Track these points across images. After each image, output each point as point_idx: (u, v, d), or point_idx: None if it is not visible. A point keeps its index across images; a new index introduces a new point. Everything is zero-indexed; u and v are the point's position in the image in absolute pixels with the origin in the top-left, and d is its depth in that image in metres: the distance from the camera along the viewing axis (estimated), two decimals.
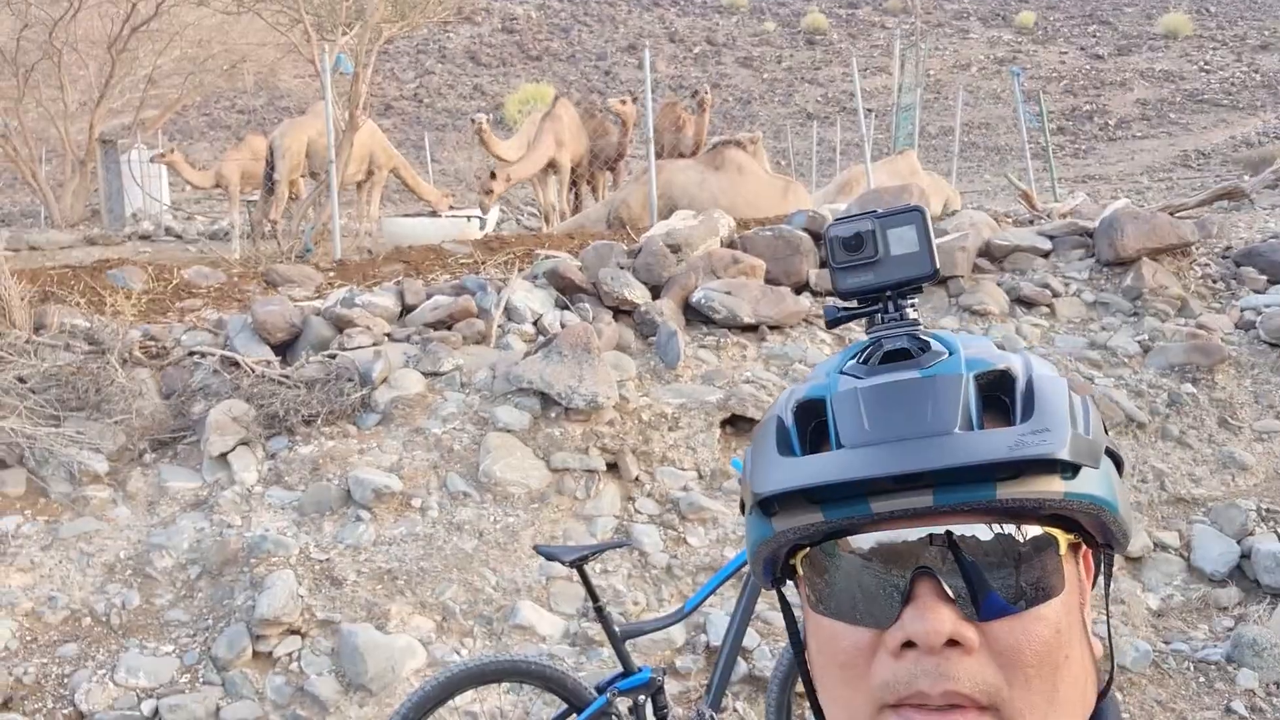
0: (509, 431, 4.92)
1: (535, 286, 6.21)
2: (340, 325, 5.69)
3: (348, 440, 4.95)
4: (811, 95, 31.39)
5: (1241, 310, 6.43)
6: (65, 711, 3.77)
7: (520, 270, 6.71)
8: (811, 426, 0.71)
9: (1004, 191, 18.91)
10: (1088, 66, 31.89)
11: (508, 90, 30.56)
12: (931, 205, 7.83)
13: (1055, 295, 6.66)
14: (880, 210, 0.77)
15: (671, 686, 3.99)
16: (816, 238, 7.02)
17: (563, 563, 3.23)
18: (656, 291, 6.25)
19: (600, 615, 3.24)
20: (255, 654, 3.99)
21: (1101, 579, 0.74)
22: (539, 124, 10.81)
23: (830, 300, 6.63)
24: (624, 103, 11.66)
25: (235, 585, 4.23)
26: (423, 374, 5.32)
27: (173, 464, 4.99)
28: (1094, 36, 33.91)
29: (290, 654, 3.99)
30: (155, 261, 8.31)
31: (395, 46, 34.85)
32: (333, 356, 5.40)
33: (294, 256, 8.54)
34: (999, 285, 6.78)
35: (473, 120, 10.25)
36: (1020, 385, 0.68)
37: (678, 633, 4.23)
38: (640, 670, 3.27)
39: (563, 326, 5.70)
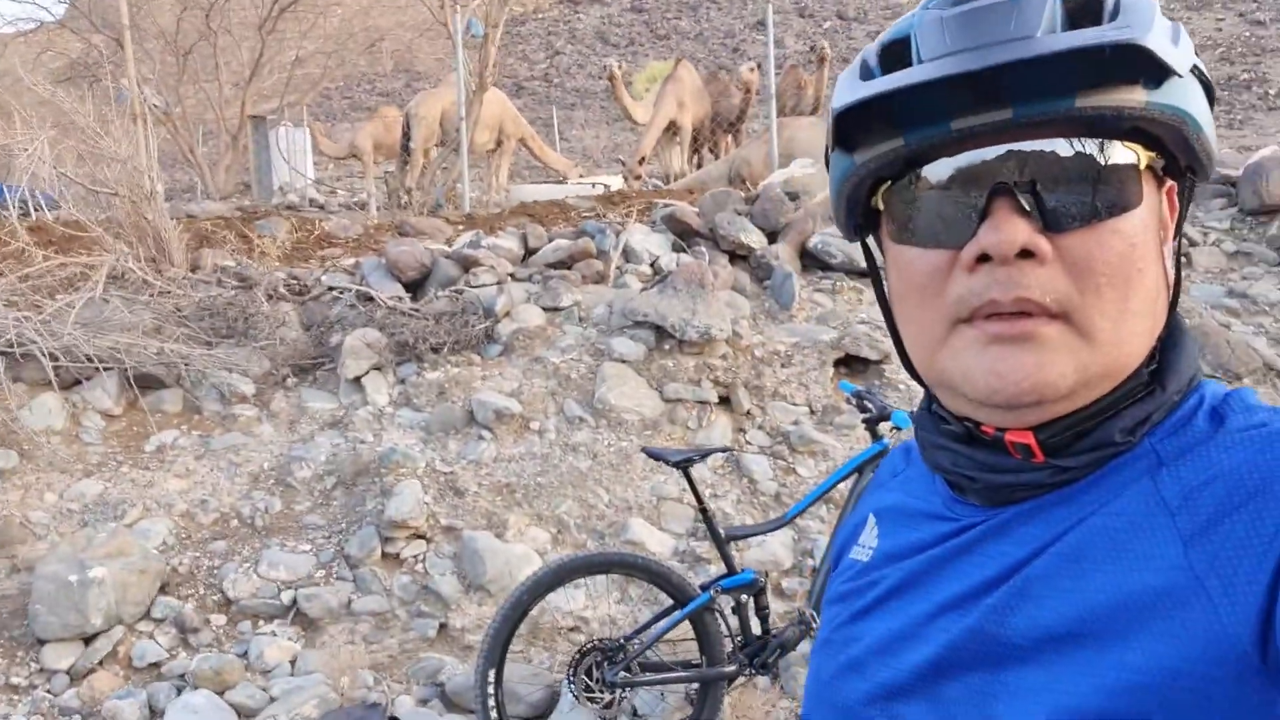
0: (624, 362, 5.07)
1: (653, 231, 6.34)
2: (467, 265, 5.95)
3: (472, 368, 5.19)
4: None
5: None
6: (214, 598, 4.10)
7: (640, 220, 6.84)
8: (896, 67, 0.68)
9: None
10: (1247, 33, 30.00)
11: (636, 69, 30.75)
12: None
13: (1193, 244, 6.41)
14: None
15: (778, 606, 4.07)
16: None
17: (669, 463, 3.34)
18: (773, 237, 6.29)
19: (705, 517, 3.34)
20: (384, 555, 4.25)
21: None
22: (661, 87, 10.93)
23: None
24: (753, 71, 11.66)
25: (367, 493, 4.51)
26: (543, 309, 5.52)
27: (312, 388, 5.33)
28: (1254, 2, 31.90)
29: (416, 556, 4.24)
30: (300, 214, 8.80)
31: (526, 28, 35.55)
32: (460, 292, 5.65)
33: (426, 211, 8.91)
34: None
35: (605, 67, 10.46)
36: (1110, 2, 0.65)
37: (785, 555, 4.30)
38: (743, 571, 3.37)
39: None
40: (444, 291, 5.72)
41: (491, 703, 3.14)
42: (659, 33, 35.52)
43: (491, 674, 3.15)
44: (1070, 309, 0.64)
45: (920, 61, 0.66)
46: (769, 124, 9.06)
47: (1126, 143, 0.66)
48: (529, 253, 6.30)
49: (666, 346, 5.14)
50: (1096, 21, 0.64)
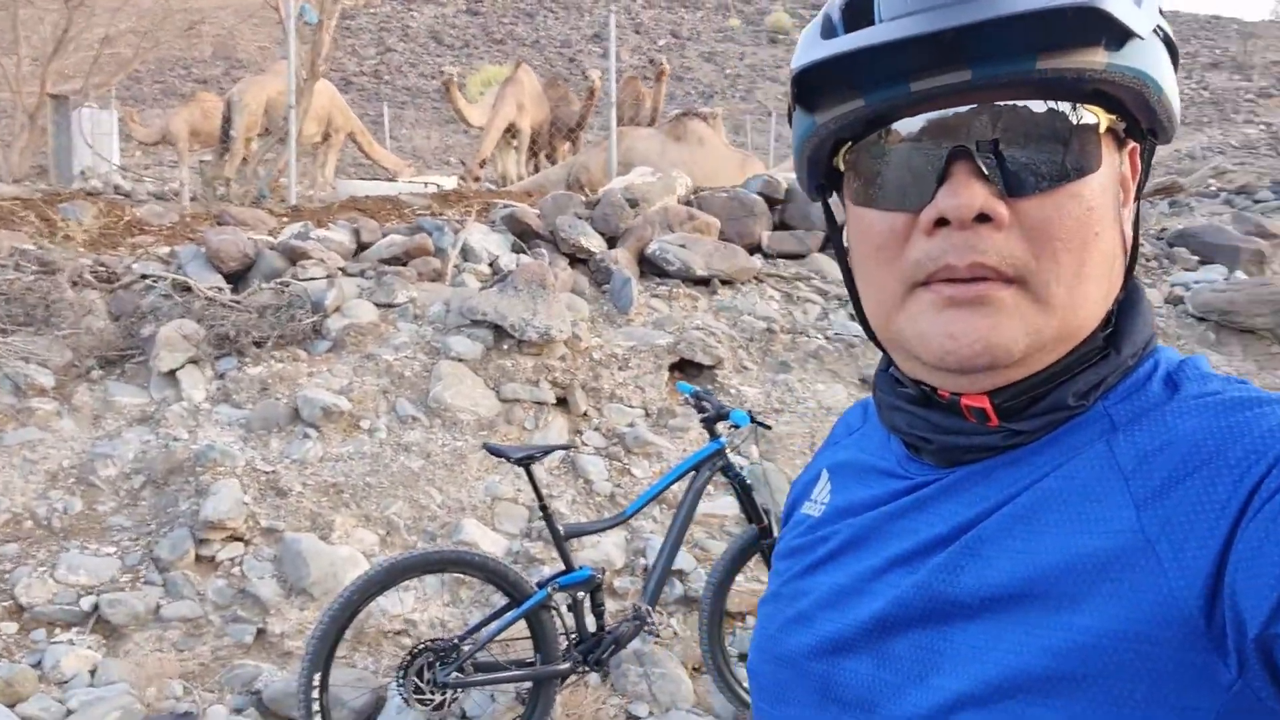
0: (460, 361, 4.98)
1: (492, 230, 6.27)
2: (294, 257, 5.71)
3: (298, 364, 4.98)
4: (773, 92, 31.64)
5: (1172, 286, 6.68)
6: (4, 604, 3.76)
7: (480, 219, 6.75)
8: (861, 23, 0.68)
9: None
10: None
11: (471, 71, 30.40)
12: None
13: None
14: None
15: (610, 605, 4.08)
16: (771, 203, 7.15)
17: (510, 460, 3.30)
18: (613, 242, 6.34)
19: (545, 514, 3.32)
20: (198, 558, 4.01)
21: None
22: (500, 89, 10.86)
23: (781, 261, 6.77)
24: (602, 77, 11.74)
25: (180, 493, 4.25)
26: (376, 305, 5.36)
27: (120, 381, 4.98)
28: None
29: (233, 559, 4.02)
30: (108, 198, 8.23)
31: (357, 23, 34.56)
32: (286, 285, 5.41)
33: (248, 202, 8.50)
34: None
35: (441, 72, 10.29)
36: None
37: (618, 554, 4.32)
38: (581, 568, 3.36)
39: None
40: (269, 284, 5.46)
41: (316, 707, 3.00)
42: (495, 37, 35.29)
43: (317, 678, 3.02)
44: (1025, 274, 0.64)
45: (881, 20, 0.65)
46: (608, 132, 9.14)
47: (1087, 105, 0.65)
48: (361, 247, 6.11)
49: (505, 346, 5.08)
50: None
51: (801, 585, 0.79)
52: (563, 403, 5.04)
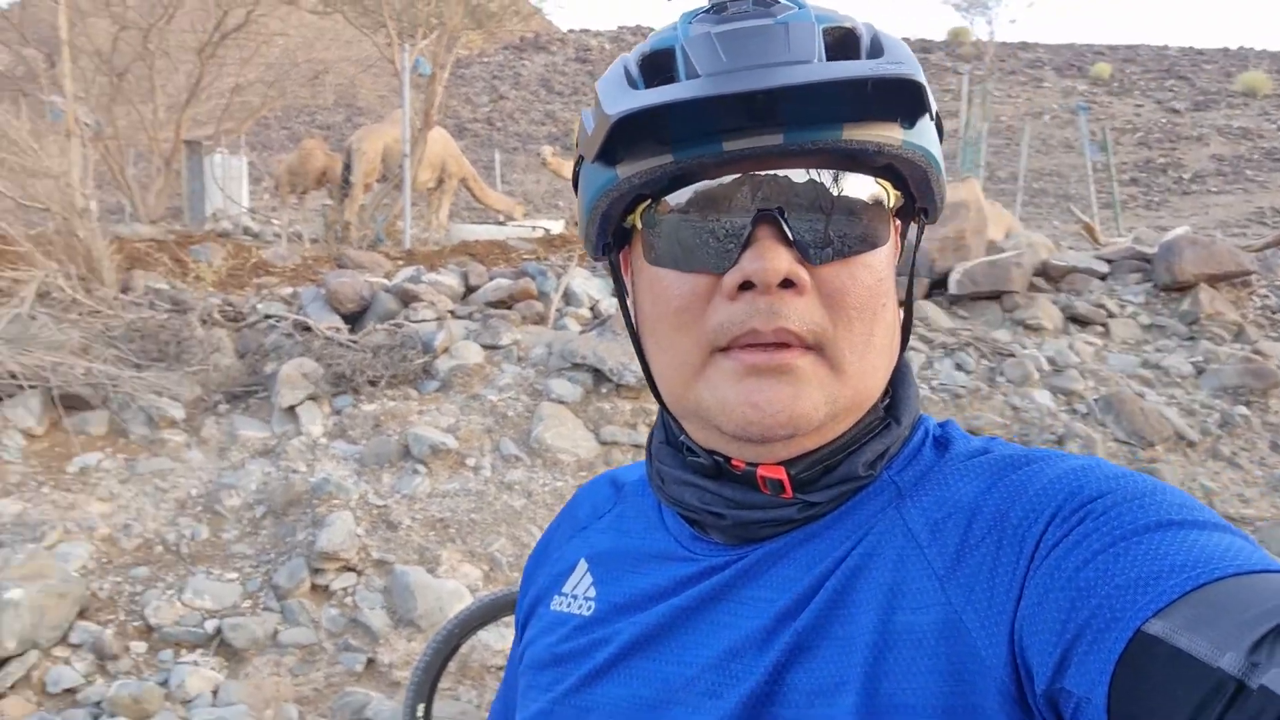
0: (561, 403, 5.11)
1: (594, 275, 6.42)
2: (406, 300, 5.96)
3: (408, 402, 5.18)
4: None
5: None
6: (135, 624, 4.00)
7: (581, 264, 6.93)
8: (659, 80, 0.66)
9: (1072, 236, 18.79)
10: (1164, 120, 31.46)
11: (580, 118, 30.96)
12: (989, 231, 7.90)
13: (1110, 315, 6.70)
14: None
15: None
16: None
17: None
18: None
19: None
20: (313, 586, 4.20)
21: (908, 247, 0.74)
22: None
23: None
24: None
25: (297, 524, 4.46)
26: (482, 346, 5.55)
27: (244, 415, 5.26)
28: (1171, 91, 33.53)
29: (345, 588, 4.19)
30: (236, 240, 8.72)
31: (471, 71, 35.79)
32: (399, 326, 5.66)
33: (365, 245, 8.89)
34: (1053, 303, 6.84)
35: (539, 154, 10.58)
36: (865, 41, 0.66)
37: None
38: None
39: None
40: (383, 325, 5.72)
41: None
42: None
43: (421, 709, 3.13)
44: (824, 341, 0.64)
45: (700, 74, 0.63)
46: None
47: (879, 179, 0.66)
48: (469, 290, 6.34)
49: (604, 390, 5.20)
50: (855, 55, 0.65)
51: (582, 700, 0.71)
52: None
